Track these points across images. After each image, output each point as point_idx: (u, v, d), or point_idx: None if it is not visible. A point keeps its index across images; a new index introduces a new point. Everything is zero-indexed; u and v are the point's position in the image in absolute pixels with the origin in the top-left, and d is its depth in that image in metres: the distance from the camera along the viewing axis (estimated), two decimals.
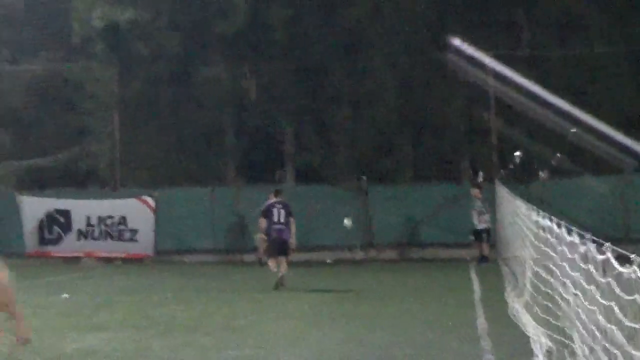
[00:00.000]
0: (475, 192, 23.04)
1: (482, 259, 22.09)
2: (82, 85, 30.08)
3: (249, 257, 23.40)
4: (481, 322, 11.40)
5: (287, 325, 11.57)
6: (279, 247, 16.42)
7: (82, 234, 24.76)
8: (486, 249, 22.40)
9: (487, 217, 22.59)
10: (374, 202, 25.39)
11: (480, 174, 24.79)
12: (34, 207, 24.91)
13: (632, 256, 5.02)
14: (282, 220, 16.55)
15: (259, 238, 18.92)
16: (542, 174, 24.67)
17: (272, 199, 17.15)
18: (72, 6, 28.64)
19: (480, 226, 22.52)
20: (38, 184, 28.13)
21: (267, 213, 16.72)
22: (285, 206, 16.78)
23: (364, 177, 26.08)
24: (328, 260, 23.83)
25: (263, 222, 16.73)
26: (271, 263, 16.56)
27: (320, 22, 27.85)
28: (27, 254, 24.61)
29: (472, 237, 22.73)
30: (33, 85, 30.60)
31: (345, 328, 11.21)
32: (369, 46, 27.77)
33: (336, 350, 9.67)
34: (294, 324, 11.71)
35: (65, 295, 15.60)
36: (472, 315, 12.20)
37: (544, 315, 9.48)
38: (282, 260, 16.31)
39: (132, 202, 24.90)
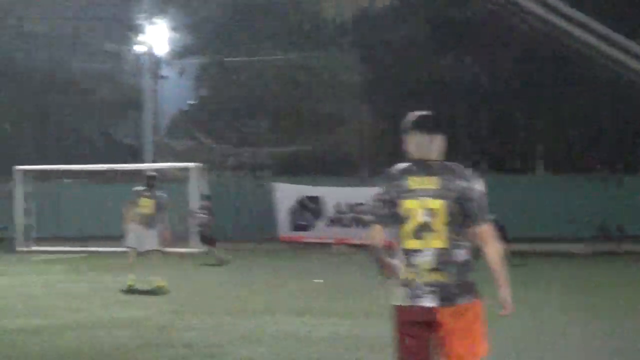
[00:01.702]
0: None
1: None
2: (329, 74, 30.78)
3: None
4: None
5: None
6: None
7: (333, 221, 25.21)
8: None
9: None
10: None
11: None
12: (287, 194, 25.67)
13: None
14: None
15: None
16: None
17: None
18: None
19: None
20: (292, 170, 29.08)
21: None
22: None
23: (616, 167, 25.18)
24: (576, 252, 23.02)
25: None
26: None
27: None
28: (281, 239, 25.48)
29: None
30: (283, 75, 31.69)
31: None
32: None
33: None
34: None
35: (319, 280, 15.94)
36: None
37: None
38: None
39: None
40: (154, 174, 15.49)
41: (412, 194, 4.79)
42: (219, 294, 14.13)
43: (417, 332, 4.76)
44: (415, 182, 4.81)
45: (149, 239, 14.72)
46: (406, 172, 4.86)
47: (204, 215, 21.13)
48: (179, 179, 25.72)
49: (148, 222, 14.68)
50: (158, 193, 14.84)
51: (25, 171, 26.02)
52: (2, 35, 33.00)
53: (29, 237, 25.39)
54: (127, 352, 8.92)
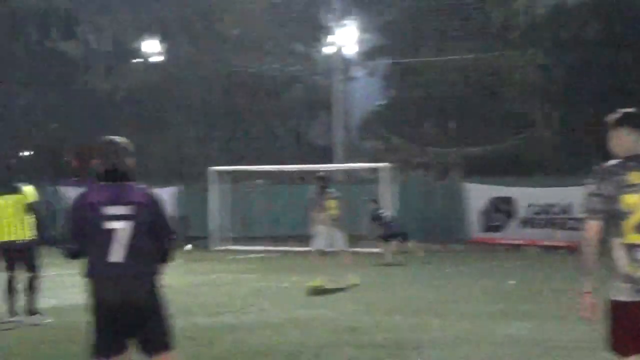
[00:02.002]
0: None
1: None
2: (508, 73, 30.01)
3: None
4: None
5: None
6: None
7: (525, 222, 24.47)
8: None
9: None
10: None
11: None
12: (478, 194, 25.14)
13: None
14: None
15: None
16: None
17: None
18: None
19: None
20: (481, 170, 28.47)
21: None
22: None
23: None
24: None
25: None
26: None
27: None
28: (471, 240, 24.98)
29: None
30: (463, 75, 31.14)
31: None
32: None
33: None
34: None
35: (512, 282, 15.49)
36: None
37: None
38: None
39: (578, 190, 23.98)
40: (324, 174, 15.76)
41: (634, 188, 4.71)
42: (408, 294, 13.94)
43: None
44: (636, 177, 4.73)
45: (337, 239, 14.78)
46: (626, 167, 4.78)
47: (386, 215, 21.07)
48: (369, 180, 25.72)
49: (335, 222, 14.75)
50: (333, 193, 14.96)
51: (219, 172, 26.82)
52: (192, 38, 34.27)
53: (223, 236, 26.16)
54: (320, 350, 8.88)
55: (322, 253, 14.84)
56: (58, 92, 35.99)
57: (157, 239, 5.34)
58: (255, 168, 28.21)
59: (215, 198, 26.47)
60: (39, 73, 35.51)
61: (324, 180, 15.19)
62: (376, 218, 21.05)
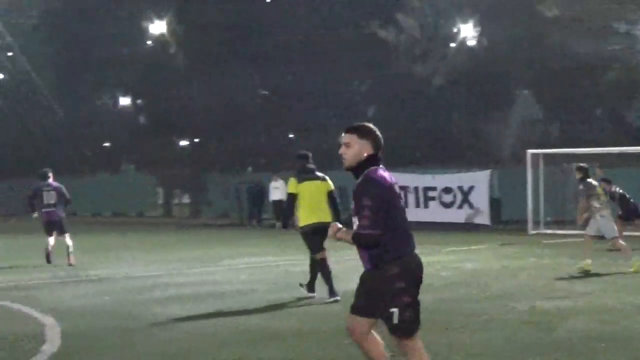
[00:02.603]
0: None
1: None
2: None
3: None
4: None
5: None
6: None
7: None
8: None
9: None
10: None
11: None
12: None
13: None
14: None
15: None
16: None
17: None
18: None
19: None
20: None
21: None
22: None
23: None
24: None
25: None
26: None
27: None
28: None
29: None
30: None
31: None
32: None
33: None
34: None
35: None
36: None
37: None
38: None
39: None
40: (582, 165, 15.84)
41: None
42: None
43: None
44: None
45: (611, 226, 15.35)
46: None
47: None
48: None
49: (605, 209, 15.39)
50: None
51: (533, 155, 26.66)
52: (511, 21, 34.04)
53: (537, 220, 26.02)
54: None
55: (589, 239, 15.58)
56: (377, 77, 37.51)
57: None
58: (569, 151, 27.69)
59: (530, 181, 26.36)
60: (359, 59, 37.22)
61: (584, 171, 15.54)
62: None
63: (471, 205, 27.65)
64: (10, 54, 49.17)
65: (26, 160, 43.37)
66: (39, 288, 13.74)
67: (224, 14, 39.27)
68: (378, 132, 5.83)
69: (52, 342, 8.85)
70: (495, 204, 28.08)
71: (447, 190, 28.28)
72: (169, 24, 41.32)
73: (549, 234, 24.65)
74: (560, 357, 7.93)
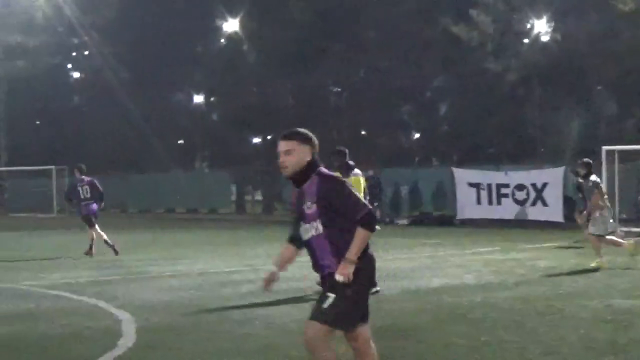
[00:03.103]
0: None
1: None
2: None
3: None
4: None
5: None
6: None
7: None
8: None
9: None
10: None
11: None
12: None
13: None
14: None
15: None
16: None
17: None
18: None
19: None
20: None
21: None
22: None
23: None
24: None
25: None
26: None
27: None
28: None
29: None
30: None
31: None
32: None
33: None
34: None
35: None
36: None
37: None
38: None
39: None
40: (587, 160, 15.48)
41: None
42: None
43: None
44: None
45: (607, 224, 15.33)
46: None
47: None
48: None
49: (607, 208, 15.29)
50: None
51: (609, 151, 26.21)
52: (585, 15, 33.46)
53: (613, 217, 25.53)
54: None
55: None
56: (450, 73, 37.32)
57: None
58: None
59: (605, 178, 25.89)
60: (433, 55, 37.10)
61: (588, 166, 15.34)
62: None
63: (545, 203, 27.32)
64: (86, 52, 50.25)
65: (103, 156, 44.15)
66: (114, 284, 14.03)
67: (299, 11, 39.46)
68: (314, 137, 5.82)
69: (128, 337, 9.04)
70: (568, 202, 27.66)
71: (520, 187, 28.00)
72: (241, 22, 41.72)
73: (624, 232, 24.19)
74: (637, 357, 7.83)
